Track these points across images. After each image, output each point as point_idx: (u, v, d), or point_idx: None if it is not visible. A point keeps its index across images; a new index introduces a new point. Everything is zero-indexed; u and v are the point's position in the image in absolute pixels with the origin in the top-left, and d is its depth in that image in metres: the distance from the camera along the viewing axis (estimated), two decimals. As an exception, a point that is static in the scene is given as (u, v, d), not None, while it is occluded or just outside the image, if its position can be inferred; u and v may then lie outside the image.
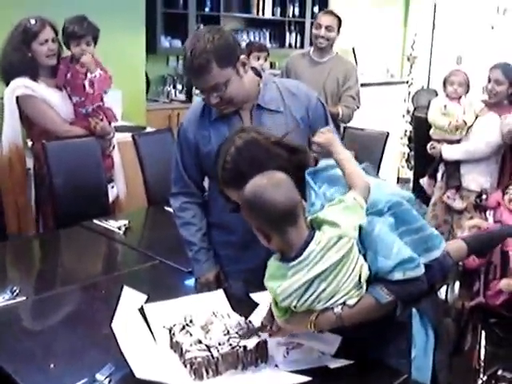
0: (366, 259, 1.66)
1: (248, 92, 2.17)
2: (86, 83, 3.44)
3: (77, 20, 3.50)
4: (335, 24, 4.43)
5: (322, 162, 1.83)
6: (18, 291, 2.27)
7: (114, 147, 3.72)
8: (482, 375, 3.01)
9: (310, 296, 1.61)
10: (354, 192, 1.67)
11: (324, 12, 4.68)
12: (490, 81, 3.95)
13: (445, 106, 4.15)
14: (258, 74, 2.26)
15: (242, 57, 2.11)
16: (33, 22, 3.38)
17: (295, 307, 1.64)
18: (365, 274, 1.64)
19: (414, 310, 1.77)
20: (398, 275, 1.63)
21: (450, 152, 4.08)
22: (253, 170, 1.68)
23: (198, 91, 2.26)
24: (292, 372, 1.69)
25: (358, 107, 4.52)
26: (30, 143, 3.61)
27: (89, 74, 3.45)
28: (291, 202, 1.60)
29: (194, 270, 2.38)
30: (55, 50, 3.45)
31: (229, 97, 2.10)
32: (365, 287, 1.65)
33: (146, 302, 2.00)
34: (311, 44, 4.67)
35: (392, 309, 1.67)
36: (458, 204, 4.14)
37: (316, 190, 1.74)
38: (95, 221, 3.16)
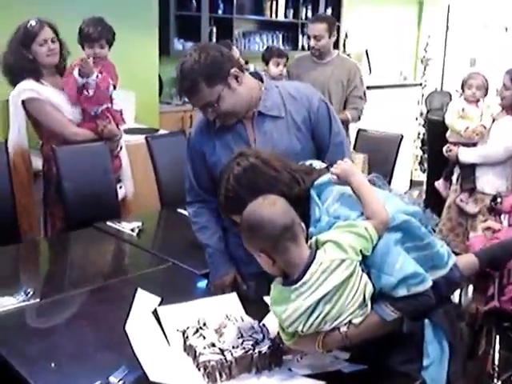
0: (369, 277, 1.65)
1: (246, 102, 2.17)
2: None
3: (92, 22, 3.51)
4: (324, 30, 4.43)
5: (325, 176, 1.82)
6: (31, 293, 2.27)
7: (121, 148, 3.73)
8: (496, 380, 3.00)
9: (316, 319, 1.61)
10: (370, 223, 1.64)
11: (312, 20, 4.68)
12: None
13: (463, 109, 4.12)
14: (260, 78, 2.26)
15: (233, 70, 2.10)
16: (32, 23, 3.38)
17: (302, 331, 1.64)
18: (369, 292, 1.63)
19: (426, 320, 1.75)
20: (402, 292, 1.61)
21: (466, 155, 4.06)
22: (253, 196, 1.69)
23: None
24: (306, 376, 1.68)
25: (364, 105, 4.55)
26: (39, 144, 3.62)
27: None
28: (289, 218, 1.62)
29: (211, 272, 2.39)
30: (55, 49, 3.44)
31: (224, 111, 2.11)
32: (370, 305, 1.64)
33: (160, 304, 1.99)
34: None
35: (398, 325, 1.66)
36: (471, 208, 4.11)
37: (320, 206, 1.74)
38: (108, 222, 3.16)
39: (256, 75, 2.28)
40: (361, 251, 1.61)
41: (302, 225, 1.67)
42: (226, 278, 2.33)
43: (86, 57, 3.49)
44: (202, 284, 2.46)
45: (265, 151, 1.91)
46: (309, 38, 4.52)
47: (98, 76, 3.47)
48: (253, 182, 1.77)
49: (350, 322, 1.63)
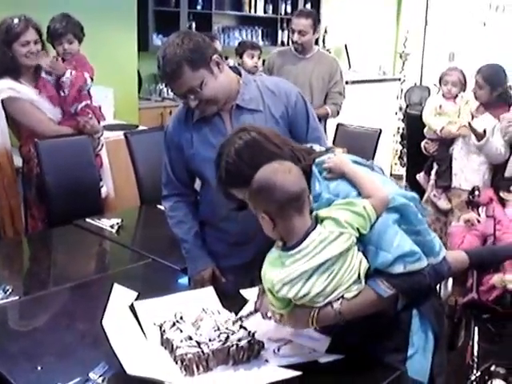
0: (365, 255, 1.66)
1: (227, 90, 2.17)
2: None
3: (58, 18, 3.50)
4: (308, 26, 4.43)
5: (327, 156, 1.82)
6: (10, 290, 2.26)
7: (102, 146, 3.72)
8: (475, 371, 3.03)
9: (309, 290, 1.61)
10: (368, 202, 1.65)
11: (297, 14, 4.65)
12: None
13: (440, 106, 4.15)
14: (239, 73, 2.26)
15: (215, 56, 2.10)
16: (16, 21, 3.34)
17: (295, 299, 1.64)
18: (364, 268, 1.64)
19: (414, 310, 1.77)
20: (398, 268, 1.62)
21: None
22: (253, 171, 1.68)
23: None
24: (282, 367, 1.69)
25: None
26: (18, 145, 3.59)
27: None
28: (300, 188, 1.62)
29: (189, 267, 2.39)
30: (36, 51, 3.40)
31: (207, 97, 2.10)
32: (364, 282, 1.65)
33: (137, 299, 2.00)
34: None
35: (393, 303, 1.68)
36: (443, 204, 4.15)
37: (321, 182, 1.74)
38: (88, 219, 3.15)
39: (234, 69, 2.28)
40: (358, 229, 1.62)
41: (310, 197, 1.67)
42: (204, 273, 2.33)
43: (54, 56, 3.49)
44: (183, 280, 2.46)
45: (266, 128, 1.90)
46: (292, 32, 4.49)
47: (71, 73, 3.46)
48: (254, 156, 1.74)
49: (342, 296, 1.64)
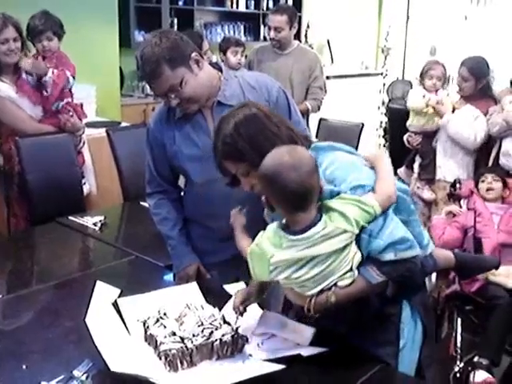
0: (358, 243, 1.65)
1: (208, 88, 2.17)
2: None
3: (37, 16, 3.48)
4: (284, 22, 4.43)
5: (324, 143, 1.83)
6: (-8, 288, 2.25)
7: (84, 143, 3.70)
8: (458, 362, 3.06)
9: (301, 276, 1.61)
10: (377, 202, 1.64)
11: (273, 11, 4.66)
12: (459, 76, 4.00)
13: (423, 96, 4.17)
14: (220, 69, 2.26)
15: (194, 54, 2.10)
16: None
17: (283, 282, 1.65)
18: (357, 261, 1.64)
19: (404, 301, 1.79)
20: (389, 256, 1.62)
21: (451, 120, 4.01)
22: (250, 146, 1.70)
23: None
24: (266, 361, 1.70)
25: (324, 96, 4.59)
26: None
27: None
28: (307, 188, 1.59)
29: (174, 263, 2.39)
30: (16, 49, 3.37)
31: (187, 96, 2.10)
32: (356, 272, 1.65)
33: (121, 296, 1.99)
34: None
35: (384, 286, 1.68)
36: (427, 194, 4.18)
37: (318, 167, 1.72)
38: (71, 217, 3.13)
39: (215, 65, 2.28)
40: (362, 226, 1.63)
41: (322, 186, 1.65)
42: (189, 269, 2.33)
43: (34, 55, 3.47)
44: (168, 276, 2.46)
45: (267, 107, 1.90)
46: (269, 28, 4.52)
47: (53, 72, 3.44)
48: (252, 131, 1.73)
49: (335, 284, 1.64)
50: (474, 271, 2.56)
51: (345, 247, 1.62)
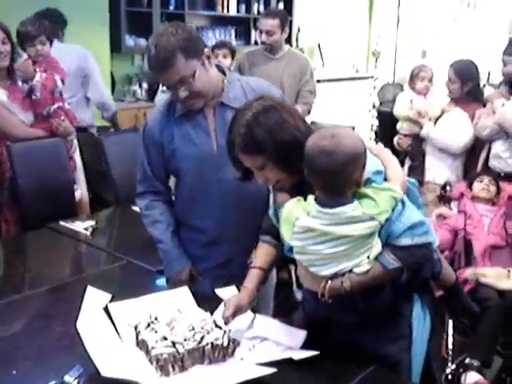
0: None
1: (214, 86, 2.18)
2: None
3: (30, 21, 3.49)
4: (276, 26, 4.43)
5: None
6: (-17, 295, 2.25)
7: (75, 148, 3.70)
8: (450, 363, 3.07)
9: (316, 251, 1.65)
10: (397, 185, 1.68)
11: (264, 15, 4.67)
12: None
13: (411, 101, 4.19)
14: (223, 72, 2.27)
15: (206, 50, 2.12)
16: None
17: (297, 250, 1.69)
18: (376, 252, 1.66)
19: (415, 295, 1.82)
20: (405, 241, 1.65)
21: (431, 132, 4.06)
22: (270, 137, 1.70)
23: (165, 88, 2.25)
24: (258, 364, 1.70)
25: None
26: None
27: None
28: (335, 174, 1.61)
29: (166, 268, 2.37)
30: (4, 52, 3.33)
31: (197, 89, 2.10)
32: (373, 262, 1.67)
33: (112, 301, 1.99)
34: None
35: (399, 273, 1.69)
36: None
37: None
38: (62, 222, 3.13)
39: (218, 68, 2.28)
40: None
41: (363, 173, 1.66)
42: (182, 274, 2.32)
43: (26, 60, 3.46)
44: (159, 281, 2.46)
45: (282, 100, 1.92)
46: (261, 32, 4.51)
47: (41, 76, 3.43)
48: (272, 123, 1.73)
49: (351, 271, 1.66)
50: (460, 303, 2.53)
51: (368, 236, 1.64)
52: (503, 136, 3.72)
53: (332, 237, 1.63)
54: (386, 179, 1.73)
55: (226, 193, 2.19)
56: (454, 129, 3.94)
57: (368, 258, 1.66)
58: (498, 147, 3.74)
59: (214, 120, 2.20)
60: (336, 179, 1.62)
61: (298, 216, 1.66)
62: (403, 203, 1.68)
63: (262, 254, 1.96)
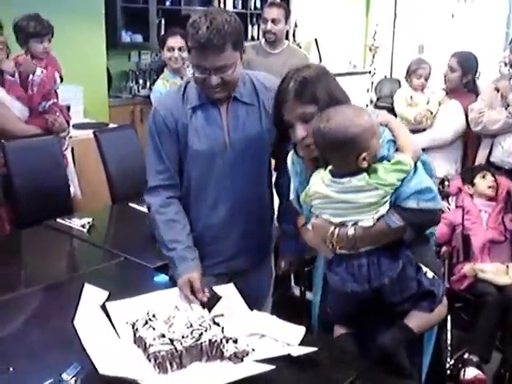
0: None
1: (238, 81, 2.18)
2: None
3: (34, 19, 3.48)
4: (281, 15, 4.41)
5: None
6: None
7: (67, 146, 3.69)
8: (449, 359, 3.07)
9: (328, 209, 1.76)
10: (410, 158, 1.73)
11: (269, 4, 4.63)
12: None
13: (411, 97, 4.18)
14: None
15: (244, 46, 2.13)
16: None
17: (304, 199, 1.84)
18: (381, 213, 1.72)
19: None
20: (411, 203, 1.71)
21: (416, 140, 4.09)
22: (325, 91, 1.79)
23: (192, 71, 2.19)
24: (256, 361, 1.69)
25: None
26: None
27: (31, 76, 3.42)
28: (341, 157, 1.71)
29: (179, 268, 2.11)
30: None
31: (230, 79, 2.08)
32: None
33: (110, 298, 1.98)
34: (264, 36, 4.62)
35: (402, 232, 1.73)
36: None
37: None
38: (58, 220, 3.11)
39: None
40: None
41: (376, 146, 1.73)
42: (195, 273, 2.08)
43: (24, 54, 3.46)
44: (156, 278, 2.44)
45: None
46: (265, 21, 4.44)
47: (42, 72, 3.43)
48: (329, 80, 1.85)
49: (356, 223, 1.73)
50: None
51: (376, 203, 1.70)
52: None
53: (342, 202, 1.73)
54: (397, 149, 1.78)
55: (234, 190, 2.18)
56: (447, 117, 3.97)
57: (373, 217, 1.72)
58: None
59: (226, 115, 2.18)
60: (334, 158, 1.74)
61: (316, 182, 1.78)
62: (415, 169, 1.74)
63: None
